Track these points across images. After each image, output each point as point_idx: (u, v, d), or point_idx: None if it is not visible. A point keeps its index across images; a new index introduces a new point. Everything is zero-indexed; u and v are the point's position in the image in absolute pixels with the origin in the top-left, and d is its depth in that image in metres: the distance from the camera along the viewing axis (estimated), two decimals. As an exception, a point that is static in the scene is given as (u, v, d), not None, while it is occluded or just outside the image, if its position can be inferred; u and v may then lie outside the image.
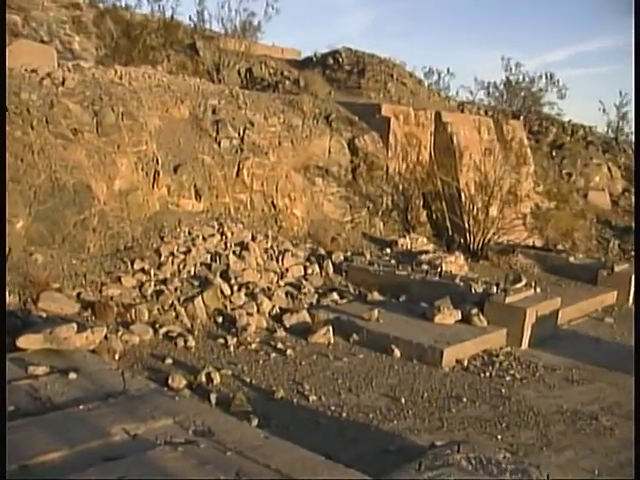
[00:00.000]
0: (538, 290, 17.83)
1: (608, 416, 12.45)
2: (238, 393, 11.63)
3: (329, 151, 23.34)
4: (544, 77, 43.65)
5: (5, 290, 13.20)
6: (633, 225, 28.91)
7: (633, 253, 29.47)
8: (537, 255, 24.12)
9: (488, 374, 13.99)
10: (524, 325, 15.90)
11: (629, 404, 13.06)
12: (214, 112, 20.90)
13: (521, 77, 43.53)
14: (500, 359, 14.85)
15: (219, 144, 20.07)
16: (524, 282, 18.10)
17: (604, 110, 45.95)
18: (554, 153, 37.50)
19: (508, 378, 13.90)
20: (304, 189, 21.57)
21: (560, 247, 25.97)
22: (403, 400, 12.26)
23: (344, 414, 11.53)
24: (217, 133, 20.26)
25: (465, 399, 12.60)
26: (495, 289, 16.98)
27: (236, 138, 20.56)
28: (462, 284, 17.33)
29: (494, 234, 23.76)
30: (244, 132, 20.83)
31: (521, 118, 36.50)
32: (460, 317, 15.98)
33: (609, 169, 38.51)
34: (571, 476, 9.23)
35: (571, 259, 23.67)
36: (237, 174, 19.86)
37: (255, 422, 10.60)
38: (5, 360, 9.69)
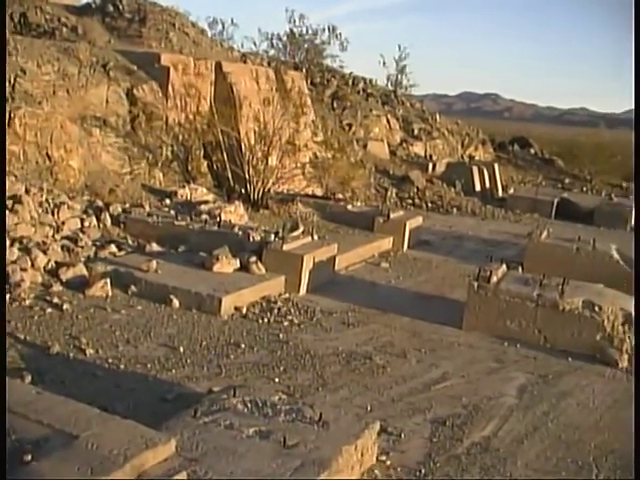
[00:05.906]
0: (316, 237, 18.31)
1: (381, 355, 13.03)
2: (10, 351, 11.31)
3: (107, 101, 22.77)
4: (327, 30, 44.75)
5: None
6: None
7: (409, 201, 30.84)
8: (316, 203, 24.67)
9: (266, 320, 14.26)
10: (301, 271, 16.27)
11: (401, 343, 13.78)
12: (-19, 59, 19.91)
13: (304, 29, 44.40)
14: (278, 305, 15.15)
15: (-12, 93, 19.19)
16: (301, 230, 18.55)
17: (384, 64, 47.76)
18: (335, 104, 38.40)
19: (286, 323, 14.22)
20: (81, 140, 20.97)
21: (340, 196, 26.66)
22: (182, 349, 12.33)
23: (122, 366, 11.47)
24: (-15, 81, 19.35)
25: (243, 345, 12.82)
26: (273, 237, 17.26)
27: (7, 87, 19.68)
28: (241, 233, 17.49)
29: (274, 184, 24.11)
30: (15, 80, 19.96)
31: (303, 70, 37.04)
32: (239, 265, 16.16)
33: (388, 121, 39.98)
34: (343, 413, 9.58)
35: (349, 207, 24.42)
36: (8, 124, 18.99)
37: (29, 379, 10.36)
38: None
